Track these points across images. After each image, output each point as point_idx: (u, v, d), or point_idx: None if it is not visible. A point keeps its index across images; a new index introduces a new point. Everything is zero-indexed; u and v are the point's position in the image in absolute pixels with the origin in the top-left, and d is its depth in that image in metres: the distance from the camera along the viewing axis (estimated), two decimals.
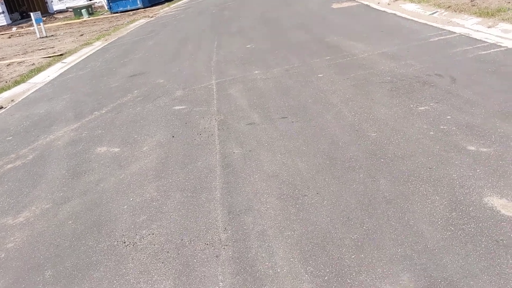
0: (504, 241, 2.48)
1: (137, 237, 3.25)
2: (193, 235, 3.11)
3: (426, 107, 4.42)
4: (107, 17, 23.74)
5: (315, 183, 3.46)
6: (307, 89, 5.70)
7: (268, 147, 4.26)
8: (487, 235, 2.56)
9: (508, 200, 2.82)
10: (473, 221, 2.69)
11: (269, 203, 3.30)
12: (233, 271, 2.69)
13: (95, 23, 21.84)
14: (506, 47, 5.82)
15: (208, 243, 2.99)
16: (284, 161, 3.91)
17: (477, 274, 2.31)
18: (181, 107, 5.93)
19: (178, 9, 20.99)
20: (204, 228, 3.16)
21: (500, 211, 2.74)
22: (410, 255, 2.53)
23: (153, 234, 3.23)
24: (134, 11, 24.18)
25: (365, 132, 4.16)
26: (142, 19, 19.30)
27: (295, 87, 5.88)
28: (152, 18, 19.02)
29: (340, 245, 2.72)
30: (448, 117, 4.12)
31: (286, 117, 4.89)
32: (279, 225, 3.03)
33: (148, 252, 3.05)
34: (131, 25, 18.06)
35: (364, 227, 2.84)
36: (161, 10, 21.65)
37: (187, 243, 3.04)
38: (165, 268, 2.84)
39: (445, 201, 2.93)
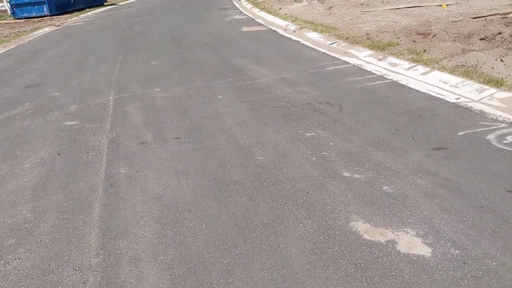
0: (362, 265, 2.64)
1: (2, 262, 3.03)
2: (62, 260, 2.96)
3: (313, 133, 4.63)
4: (10, 23, 22.27)
5: (197, 206, 3.46)
6: (205, 110, 5.74)
7: (156, 167, 4.20)
8: (347, 258, 2.70)
9: (371, 225, 3.01)
10: (337, 245, 2.83)
11: (147, 226, 3.25)
12: None
13: None
14: (391, 79, 6.28)
15: (77, 268, 2.86)
16: (170, 183, 3.88)
17: None
18: (72, 123, 5.69)
19: (88, 20, 20.29)
20: (75, 253, 3.03)
21: (362, 235, 2.91)
22: (275, 278, 2.60)
23: (19, 259, 3.04)
24: (40, 18, 22.91)
25: (254, 156, 4.26)
26: (47, 28, 18.37)
27: (194, 107, 5.89)
28: (58, 27, 18.18)
29: (211, 269, 2.73)
30: (331, 144, 4.34)
31: (180, 138, 4.87)
32: (154, 249, 2.98)
33: (11, 279, 2.85)
34: (35, 32, 17.12)
35: (237, 251, 2.88)
36: (70, 20, 20.77)
37: (55, 268, 2.89)
38: None
39: (316, 225, 3.07)
